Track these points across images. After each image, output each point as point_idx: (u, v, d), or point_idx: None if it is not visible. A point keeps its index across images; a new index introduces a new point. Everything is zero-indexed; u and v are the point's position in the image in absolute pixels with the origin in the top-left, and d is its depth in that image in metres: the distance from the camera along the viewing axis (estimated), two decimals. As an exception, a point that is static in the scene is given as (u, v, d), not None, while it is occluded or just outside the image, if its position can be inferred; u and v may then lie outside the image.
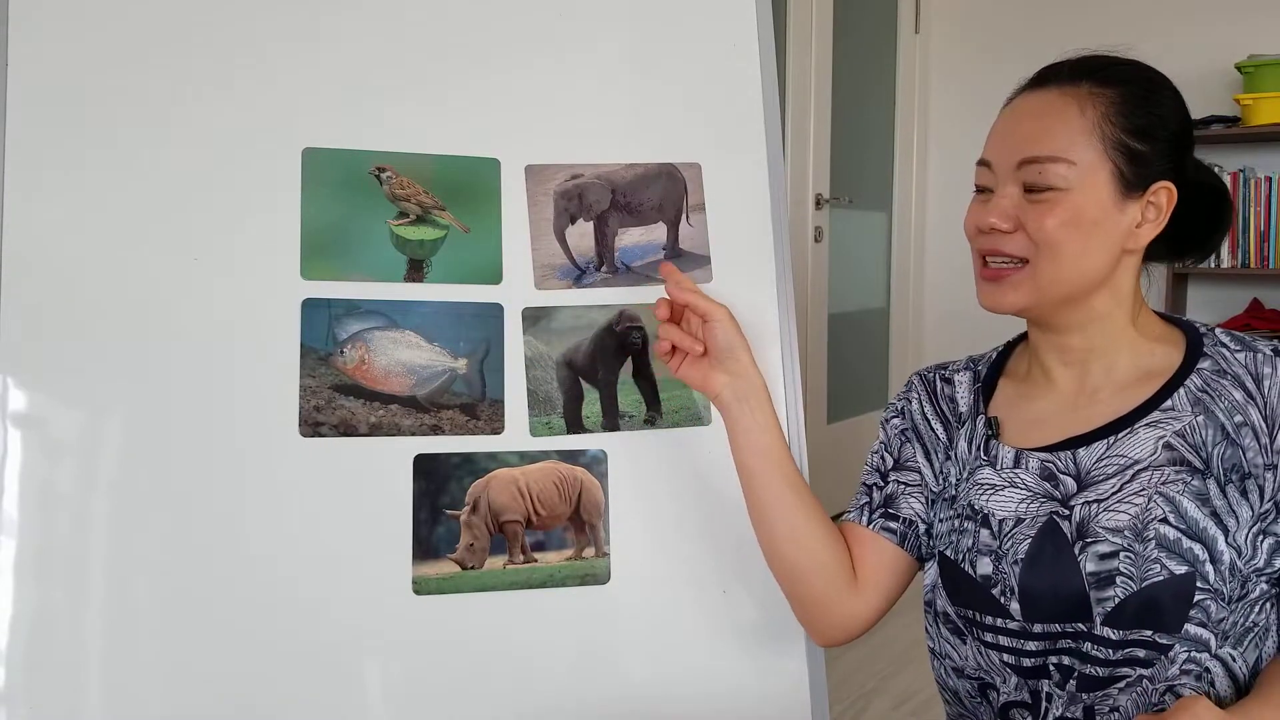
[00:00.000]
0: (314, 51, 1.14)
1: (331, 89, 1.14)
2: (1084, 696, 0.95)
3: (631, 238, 1.22)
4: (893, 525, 1.08)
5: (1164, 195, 0.97)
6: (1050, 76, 0.99)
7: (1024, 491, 0.99)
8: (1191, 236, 1.03)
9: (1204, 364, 0.98)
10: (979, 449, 1.04)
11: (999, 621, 0.98)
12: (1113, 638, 0.93)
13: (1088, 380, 1.01)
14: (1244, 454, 0.94)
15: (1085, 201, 0.94)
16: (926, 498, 1.08)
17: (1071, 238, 0.95)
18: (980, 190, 1.01)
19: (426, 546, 1.11)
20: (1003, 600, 0.98)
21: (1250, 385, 0.96)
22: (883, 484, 1.10)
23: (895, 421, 1.12)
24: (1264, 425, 0.94)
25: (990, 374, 1.09)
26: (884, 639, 2.75)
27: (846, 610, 1.07)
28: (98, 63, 1.08)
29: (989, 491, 1.01)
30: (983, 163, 1.00)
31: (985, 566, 0.99)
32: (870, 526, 1.09)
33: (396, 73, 1.16)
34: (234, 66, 1.12)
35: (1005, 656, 0.99)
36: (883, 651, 2.68)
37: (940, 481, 1.07)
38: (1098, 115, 0.95)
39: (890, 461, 1.11)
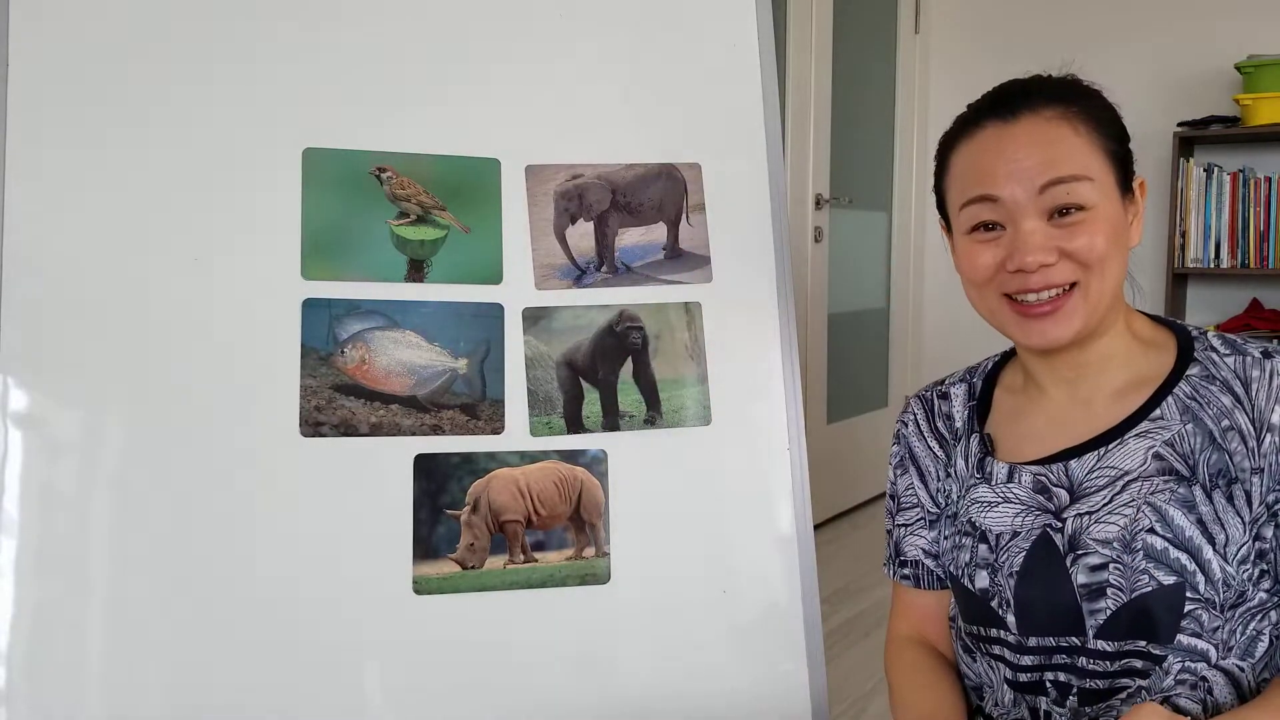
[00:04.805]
0: (314, 52, 1.14)
1: (332, 89, 1.14)
2: (1086, 710, 0.95)
3: (631, 238, 1.22)
4: (906, 571, 1.10)
5: (1139, 189, 0.99)
6: (1015, 105, 0.95)
7: (1018, 505, 0.99)
8: None
9: (1193, 370, 0.97)
10: (975, 466, 1.04)
11: (998, 633, 0.99)
12: (1108, 650, 0.93)
13: (1080, 391, 1.00)
14: (1231, 459, 0.93)
15: (1111, 211, 0.94)
16: (928, 524, 1.09)
17: (1114, 250, 0.94)
18: (984, 228, 0.96)
19: (427, 546, 1.11)
20: (1000, 612, 0.98)
21: (1239, 389, 0.95)
22: (891, 529, 1.12)
23: (894, 449, 1.13)
24: (1251, 429, 0.93)
25: (985, 388, 1.09)
26: (883, 640, 2.75)
27: None
28: (98, 64, 1.08)
29: (985, 508, 1.01)
30: (983, 199, 0.95)
31: (983, 580, 0.99)
32: (894, 578, 1.12)
33: (397, 73, 1.16)
34: (234, 67, 1.12)
35: (1005, 671, 0.99)
36: (882, 652, 2.68)
37: (941, 500, 1.08)
38: (1089, 129, 0.94)
39: (894, 505, 1.12)
